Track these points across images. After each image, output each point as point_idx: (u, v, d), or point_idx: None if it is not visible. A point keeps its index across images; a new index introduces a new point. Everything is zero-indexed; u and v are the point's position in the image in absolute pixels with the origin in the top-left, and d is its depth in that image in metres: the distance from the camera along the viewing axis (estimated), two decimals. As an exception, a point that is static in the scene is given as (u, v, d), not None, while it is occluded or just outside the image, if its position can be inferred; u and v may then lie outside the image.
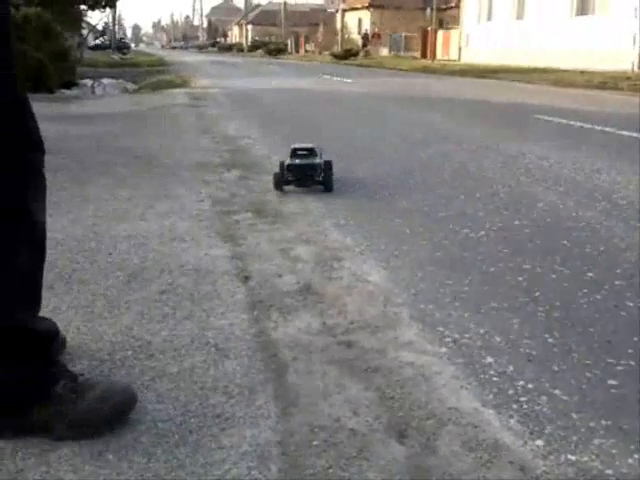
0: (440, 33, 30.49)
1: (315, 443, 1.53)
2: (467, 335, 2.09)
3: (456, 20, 30.40)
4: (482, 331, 2.12)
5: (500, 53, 23.75)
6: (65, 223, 3.25)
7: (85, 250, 2.85)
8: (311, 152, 4.12)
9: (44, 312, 2.18)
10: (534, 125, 7.62)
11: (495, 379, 1.83)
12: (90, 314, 2.19)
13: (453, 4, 32.89)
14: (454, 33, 29.75)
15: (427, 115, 8.52)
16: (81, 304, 2.27)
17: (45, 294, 2.33)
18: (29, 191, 1.61)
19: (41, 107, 9.14)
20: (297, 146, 4.16)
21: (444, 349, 2.00)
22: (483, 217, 3.51)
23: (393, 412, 1.66)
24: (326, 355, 1.96)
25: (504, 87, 14.44)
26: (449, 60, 28.22)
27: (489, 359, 1.94)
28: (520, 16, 24.35)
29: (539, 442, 1.55)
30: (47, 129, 6.46)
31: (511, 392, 1.76)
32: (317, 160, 4.08)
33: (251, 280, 2.57)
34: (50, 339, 1.70)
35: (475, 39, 27.26)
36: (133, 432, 1.54)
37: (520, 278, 2.60)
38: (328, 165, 4.09)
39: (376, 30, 35.81)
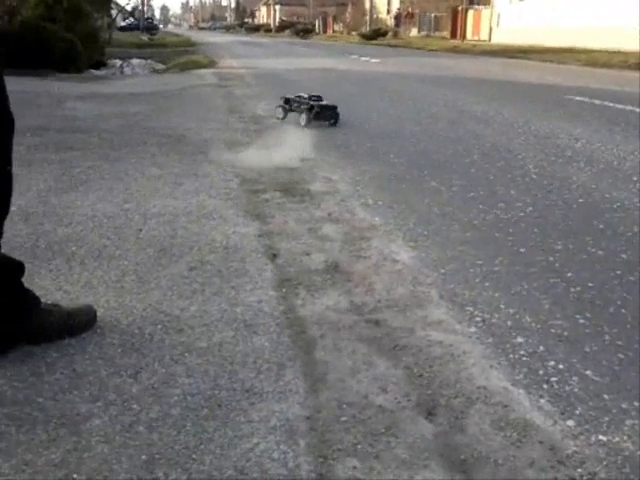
0: (470, 13, 29.95)
1: (343, 419, 1.53)
2: (497, 315, 2.07)
3: (487, 0, 29.82)
4: (512, 311, 2.10)
5: (532, 33, 23.25)
6: (95, 200, 3.28)
7: (115, 227, 2.87)
8: (321, 98, 5.91)
9: (77, 287, 2.22)
10: (566, 105, 7.46)
11: (525, 359, 1.81)
12: (120, 289, 2.22)
13: (485, -17, 32.27)
14: (485, 13, 29.19)
15: (457, 95, 8.39)
16: (112, 279, 2.30)
17: (76, 269, 2.39)
18: None
19: (71, 87, 9.24)
20: (310, 94, 5.91)
21: (473, 328, 1.99)
22: (514, 197, 3.46)
23: (421, 390, 1.66)
24: (354, 333, 1.95)
25: (536, 68, 14.15)
26: (479, 40, 27.72)
27: (519, 339, 1.92)
28: (554, -5, 23.80)
29: (570, 422, 1.53)
30: (77, 108, 6.51)
31: (541, 372, 1.74)
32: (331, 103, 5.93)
33: (279, 258, 2.57)
34: (21, 269, 1.92)
35: (506, 19, 26.71)
36: (163, 405, 1.56)
37: (551, 258, 2.56)
38: (335, 107, 5.93)
39: (409, 9, 35.21)
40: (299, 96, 5.95)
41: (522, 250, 2.66)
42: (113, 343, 1.84)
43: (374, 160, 4.43)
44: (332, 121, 5.85)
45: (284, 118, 5.99)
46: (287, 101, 6.02)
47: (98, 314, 2.01)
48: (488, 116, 6.52)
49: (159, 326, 1.96)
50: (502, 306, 2.13)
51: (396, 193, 3.58)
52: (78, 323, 1.89)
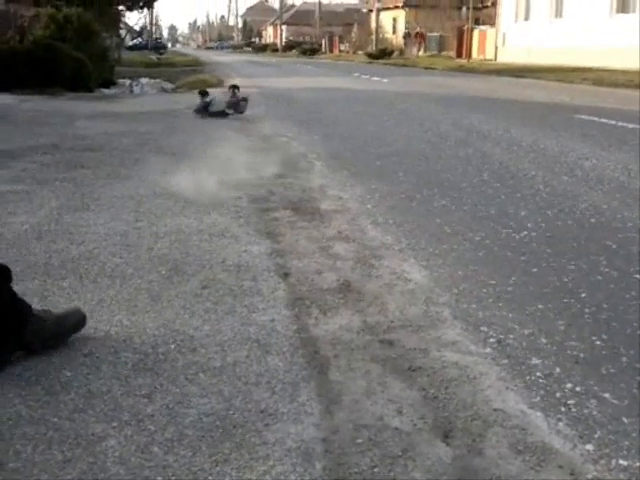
0: (476, 32, 30.12)
1: (359, 441, 1.52)
2: (512, 336, 2.06)
3: (492, 19, 29.99)
4: (527, 332, 2.08)
5: (538, 52, 23.36)
6: (107, 218, 3.29)
7: (127, 245, 2.88)
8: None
9: (90, 305, 2.22)
10: (574, 124, 7.47)
11: (542, 381, 1.79)
12: (133, 308, 2.22)
13: (489, 3, 32.48)
14: (490, 32, 29.36)
15: (465, 114, 8.42)
16: (124, 298, 2.30)
17: (89, 287, 2.39)
18: None
19: (81, 105, 9.32)
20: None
21: (488, 349, 1.97)
22: (525, 217, 3.45)
23: (438, 412, 1.64)
24: (368, 353, 1.94)
25: (543, 87, 14.20)
26: (485, 59, 27.85)
27: (535, 360, 1.90)
28: (559, 14, 23.94)
29: (589, 446, 1.51)
30: (88, 127, 6.58)
31: (559, 395, 1.72)
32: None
33: (291, 277, 2.57)
34: (9, 276, 1.93)
35: (512, 38, 26.87)
36: (178, 425, 1.55)
37: (565, 279, 2.54)
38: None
39: (418, 30, 35.38)
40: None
41: (535, 270, 2.65)
42: (127, 362, 1.84)
43: (383, 179, 4.44)
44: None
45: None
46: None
47: (111, 333, 2.01)
48: (496, 135, 6.53)
49: (172, 345, 1.95)
50: (517, 327, 2.12)
51: (406, 212, 3.58)
52: (68, 327, 1.95)
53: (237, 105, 7.91)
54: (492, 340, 2.03)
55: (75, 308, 2.06)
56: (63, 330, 1.93)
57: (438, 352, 1.95)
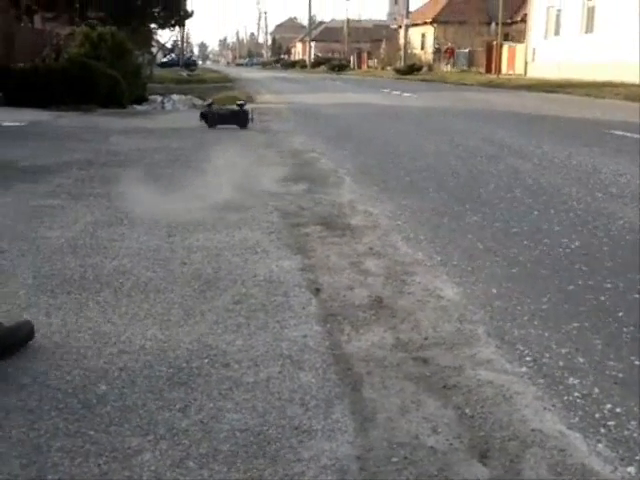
0: (505, 48, 30.00)
1: (394, 460, 1.50)
2: (548, 355, 2.02)
3: (522, 35, 29.86)
4: (564, 351, 2.05)
5: (568, 68, 23.16)
6: (140, 233, 3.33)
7: (160, 260, 2.91)
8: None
9: (124, 320, 2.25)
10: (607, 140, 7.37)
11: (580, 401, 1.76)
12: (167, 322, 2.23)
13: (519, 19, 32.36)
14: (520, 48, 29.23)
15: (495, 130, 8.37)
16: (158, 312, 2.32)
17: (123, 301, 2.42)
18: None
19: (115, 122, 9.50)
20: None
21: (524, 368, 1.94)
22: (559, 234, 3.41)
23: (474, 431, 1.62)
24: (401, 370, 1.93)
25: (574, 102, 14.07)
26: (514, 75, 27.72)
27: (573, 380, 1.86)
28: (589, 30, 23.74)
29: (630, 469, 1.47)
30: (121, 143, 6.69)
31: (598, 416, 1.69)
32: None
33: (322, 292, 2.57)
34: None
35: (542, 54, 26.70)
36: (212, 440, 1.55)
37: (602, 297, 2.50)
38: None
39: (449, 45, 35.35)
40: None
41: (570, 288, 2.61)
42: (161, 376, 1.85)
43: (414, 194, 4.43)
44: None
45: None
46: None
47: (146, 347, 2.03)
48: (527, 151, 6.47)
49: (206, 360, 1.96)
50: (553, 345, 2.08)
51: (438, 228, 3.56)
52: (20, 338, 1.97)
53: (237, 115, 8.39)
54: (528, 359, 2.00)
55: (25, 320, 2.09)
56: (15, 342, 1.95)
57: (473, 370, 1.92)
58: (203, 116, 8.43)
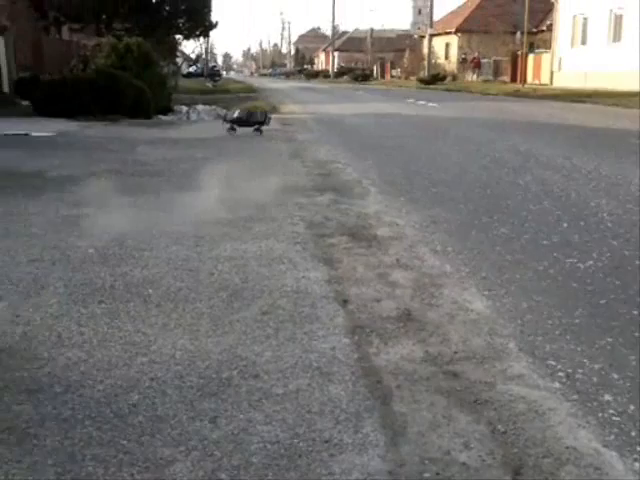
0: (531, 57, 29.82)
1: (426, 475, 1.49)
2: (581, 370, 1.99)
3: (547, 44, 29.66)
4: (597, 366, 2.01)
5: (595, 77, 22.94)
6: (168, 242, 3.36)
7: (189, 269, 2.93)
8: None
9: (154, 329, 2.26)
10: (637, 151, 7.27)
11: (615, 418, 1.73)
12: (196, 332, 2.25)
13: (544, 28, 32.16)
14: (546, 57, 29.04)
15: (522, 140, 8.31)
16: (187, 322, 2.33)
17: (153, 311, 2.43)
18: None
19: (141, 132, 9.61)
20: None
21: (557, 384, 1.91)
22: (590, 246, 3.36)
23: (507, 448, 1.60)
24: (432, 384, 1.91)
25: (601, 112, 13.91)
26: (540, 84, 27.51)
27: (607, 397, 1.83)
28: (617, 38, 23.52)
29: (669, 490, 1.44)
30: (148, 153, 6.74)
31: (634, 433, 1.66)
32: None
33: (350, 304, 2.56)
34: None
35: (568, 63, 26.49)
36: (244, 452, 1.55)
37: (635, 312, 2.46)
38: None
39: (476, 55, 35.21)
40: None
41: (602, 302, 2.57)
42: (192, 387, 1.86)
43: (440, 205, 4.41)
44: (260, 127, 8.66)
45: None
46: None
47: (176, 357, 2.04)
48: (555, 162, 6.41)
49: (235, 371, 1.97)
50: (586, 361, 2.05)
51: (465, 240, 3.53)
52: None
53: (251, 116, 9.14)
54: (561, 374, 1.97)
55: None
56: None
57: (504, 385, 1.90)
58: (226, 120, 9.18)
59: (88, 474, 1.45)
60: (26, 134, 8.64)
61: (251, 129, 8.78)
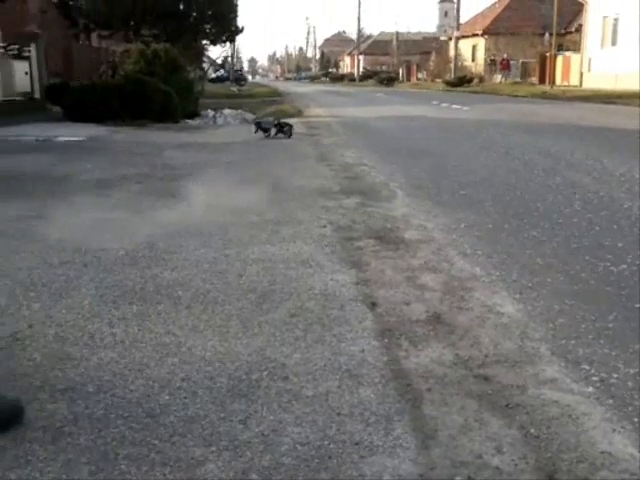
0: (560, 58, 29.46)
1: (458, 479, 1.48)
2: (616, 375, 1.96)
3: (576, 45, 29.30)
4: (632, 371, 1.98)
5: (625, 78, 22.57)
6: (197, 245, 3.39)
7: (217, 272, 2.95)
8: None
9: (184, 331, 2.28)
10: (669, 153, 7.13)
11: (652, 424, 1.69)
12: (226, 334, 2.26)
13: (574, 29, 31.76)
14: (575, 58, 28.67)
15: (551, 142, 8.20)
16: (217, 324, 2.35)
17: (183, 313, 2.45)
18: None
19: (169, 136, 9.71)
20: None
21: (591, 389, 1.88)
22: (623, 249, 3.31)
23: (540, 452, 1.58)
24: (462, 388, 1.90)
25: (633, 113, 13.66)
26: (569, 86, 27.17)
27: (643, 402, 1.80)
28: (648, 39, 23.14)
29: None
30: (175, 157, 6.83)
31: (671, 439, 1.62)
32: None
33: (378, 307, 2.55)
34: None
35: (598, 64, 26.12)
36: (274, 453, 1.55)
37: (671, 316, 2.41)
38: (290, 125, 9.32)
39: (505, 56, 34.91)
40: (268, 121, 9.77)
41: (637, 306, 2.52)
42: (222, 388, 1.87)
43: (469, 208, 4.37)
44: (288, 135, 9.04)
45: (256, 132, 9.14)
46: (259, 124, 9.48)
47: (206, 358, 2.05)
48: (586, 164, 6.32)
49: (265, 372, 1.97)
50: (620, 365, 2.02)
51: (495, 243, 3.50)
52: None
53: (281, 128, 9.43)
54: (594, 379, 1.94)
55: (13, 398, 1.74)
56: None
57: (537, 389, 1.88)
58: (257, 125, 9.68)
59: (121, 473, 1.47)
60: (56, 139, 8.80)
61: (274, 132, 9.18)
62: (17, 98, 13.15)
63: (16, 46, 13.48)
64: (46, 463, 1.51)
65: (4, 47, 13.06)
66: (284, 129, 9.20)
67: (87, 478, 1.45)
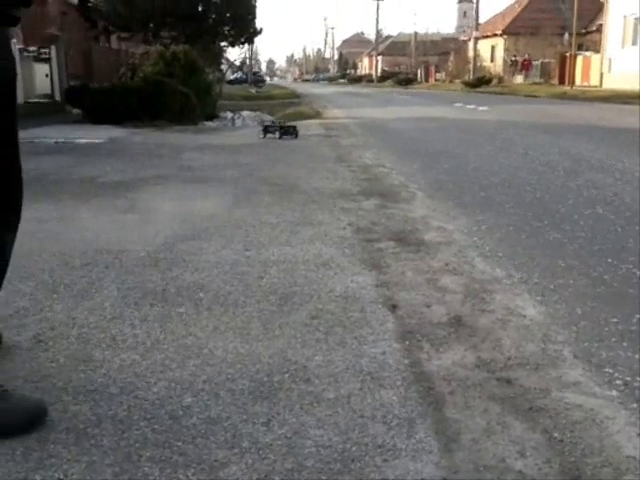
0: (579, 58, 29.21)
1: (481, 483, 1.46)
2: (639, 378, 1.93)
3: (596, 45, 29.04)
4: (658, 375, 1.95)
5: (647, 78, 22.34)
6: (217, 247, 3.40)
7: (238, 274, 2.96)
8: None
9: (206, 332, 2.29)
10: (692, 153, 7.03)
11: (678, 429, 1.66)
12: (247, 335, 2.26)
13: (594, 28, 31.47)
14: (595, 58, 28.41)
15: (572, 143, 8.13)
16: (237, 326, 2.35)
17: (204, 314, 2.46)
18: None
19: (187, 138, 9.78)
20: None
21: (615, 392, 1.86)
22: (646, 251, 3.27)
23: (564, 456, 1.56)
24: (485, 391, 1.88)
25: (653, 113, 13.51)
26: (589, 86, 26.92)
27: (669, 407, 1.77)
28: (670, 38, 22.87)
29: None
30: (194, 158, 6.87)
31: (698, 445, 1.59)
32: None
33: (399, 309, 2.54)
34: None
35: (619, 64, 25.85)
36: (297, 456, 1.55)
37: (697, 319, 2.37)
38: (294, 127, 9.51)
39: (526, 56, 34.68)
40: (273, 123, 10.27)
41: (661, 308, 2.49)
42: (244, 390, 1.87)
43: (489, 210, 4.34)
44: (293, 136, 9.33)
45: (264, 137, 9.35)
46: (265, 127, 9.74)
47: (228, 360, 2.06)
48: (607, 165, 6.25)
49: (286, 374, 1.97)
50: (645, 369, 1.99)
51: (516, 244, 3.47)
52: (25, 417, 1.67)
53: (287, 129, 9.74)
54: (618, 382, 1.92)
55: (37, 399, 1.76)
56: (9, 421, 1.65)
57: (560, 393, 1.86)
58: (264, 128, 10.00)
59: (144, 475, 1.48)
60: (77, 141, 8.89)
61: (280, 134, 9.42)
62: (38, 100, 13.33)
63: (37, 48, 13.66)
64: (70, 465, 1.52)
65: (25, 49, 13.23)
66: (289, 131, 9.51)
67: (111, 479, 1.47)
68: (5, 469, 1.50)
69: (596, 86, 26.65)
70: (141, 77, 13.51)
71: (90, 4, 19.67)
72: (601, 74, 27.28)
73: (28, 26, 13.68)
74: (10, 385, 1.79)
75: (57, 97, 14.31)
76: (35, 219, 3.93)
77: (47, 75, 14.06)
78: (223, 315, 2.45)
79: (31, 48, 13.43)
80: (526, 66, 34.53)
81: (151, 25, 20.43)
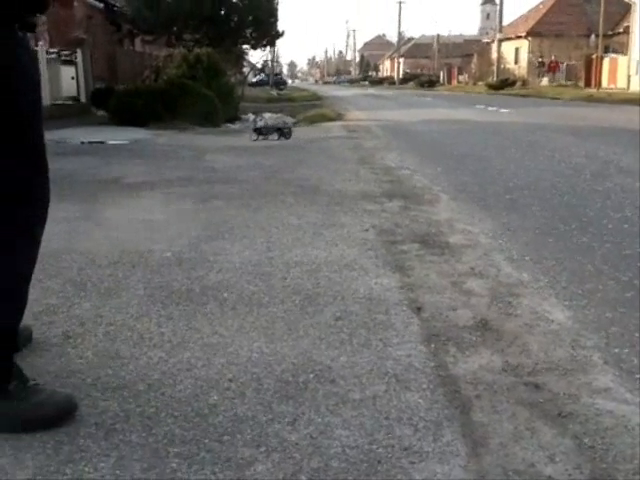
0: (606, 60, 28.86)
1: (510, 488, 1.45)
2: (673, 385, 1.90)
3: (624, 47, 28.65)
4: (690, 382, 1.91)
5: (675, 81, 21.99)
6: (241, 248, 3.41)
7: (262, 274, 2.96)
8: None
9: (231, 332, 2.30)
10: None
11: None
12: (271, 336, 2.26)
13: (621, 30, 31.06)
14: (622, 60, 28.03)
15: (599, 146, 8.03)
16: (262, 325, 2.36)
17: (229, 314, 2.47)
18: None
19: (210, 140, 9.83)
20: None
21: (646, 399, 1.83)
22: (677, 256, 3.21)
23: (595, 463, 1.53)
24: (513, 395, 1.86)
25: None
26: (616, 89, 26.57)
27: (702, 414, 1.74)
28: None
29: None
30: (217, 160, 6.91)
31: None
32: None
33: (424, 312, 2.53)
34: (9, 337, 1.68)
35: (646, 66, 25.50)
36: (323, 456, 1.55)
37: None
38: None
39: (553, 59, 34.36)
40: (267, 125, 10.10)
41: (693, 314, 2.44)
42: (269, 389, 1.87)
43: (515, 213, 4.30)
44: (287, 136, 9.53)
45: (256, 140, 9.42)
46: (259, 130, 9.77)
47: (253, 359, 2.06)
48: (636, 168, 6.15)
49: (311, 375, 1.97)
50: (678, 375, 1.95)
51: (543, 248, 3.43)
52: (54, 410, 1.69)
53: (281, 130, 9.90)
54: (650, 389, 1.88)
55: (67, 394, 1.77)
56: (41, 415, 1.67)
57: (590, 399, 1.83)
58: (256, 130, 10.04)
59: (172, 470, 1.49)
60: (102, 142, 9.00)
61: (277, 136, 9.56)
62: (64, 102, 13.50)
63: (63, 51, 13.86)
64: (99, 459, 1.53)
65: (53, 52, 13.43)
66: (284, 131, 9.75)
67: (139, 475, 1.47)
68: (37, 462, 1.52)
69: (623, 89, 26.29)
70: (165, 79, 13.64)
71: (115, 8, 19.92)
72: (628, 77, 26.90)
73: (55, 30, 13.89)
74: (40, 380, 1.81)
75: (83, 99, 14.49)
76: (63, 218, 3.97)
77: (73, 77, 14.25)
78: (248, 315, 2.45)
79: (58, 51, 13.62)
80: (553, 68, 34.18)
81: (174, 28, 20.64)
